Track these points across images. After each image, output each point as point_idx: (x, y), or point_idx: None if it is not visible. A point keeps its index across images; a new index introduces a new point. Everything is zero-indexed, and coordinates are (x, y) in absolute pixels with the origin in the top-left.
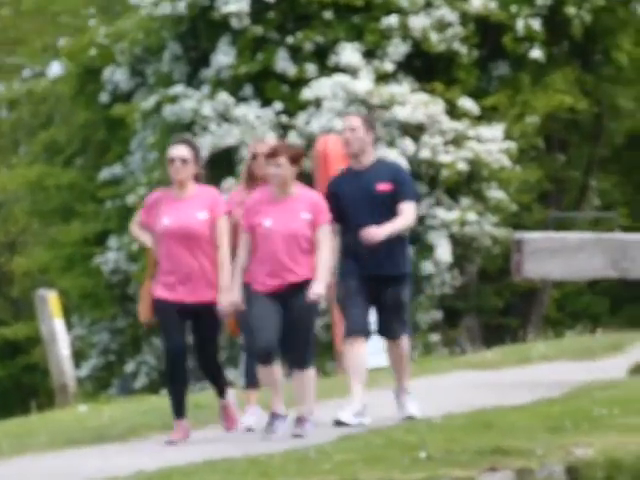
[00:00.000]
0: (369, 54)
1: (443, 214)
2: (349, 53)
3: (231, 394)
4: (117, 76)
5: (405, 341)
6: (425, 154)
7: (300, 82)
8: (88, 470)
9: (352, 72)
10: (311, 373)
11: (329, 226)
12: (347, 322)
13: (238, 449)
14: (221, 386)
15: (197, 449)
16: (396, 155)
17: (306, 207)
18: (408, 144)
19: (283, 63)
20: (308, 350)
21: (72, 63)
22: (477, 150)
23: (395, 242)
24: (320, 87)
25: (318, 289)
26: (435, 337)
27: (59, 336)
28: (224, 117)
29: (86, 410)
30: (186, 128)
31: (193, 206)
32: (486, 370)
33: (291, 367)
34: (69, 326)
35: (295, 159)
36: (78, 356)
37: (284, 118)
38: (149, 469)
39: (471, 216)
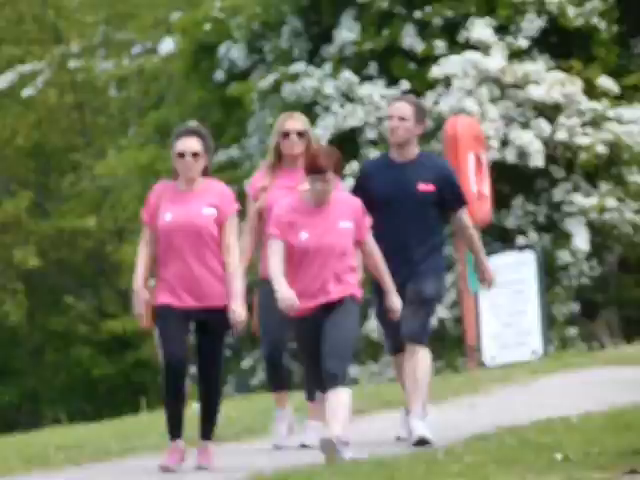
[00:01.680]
0: (502, 30)
1: (581, 200)
2: (480, 29)
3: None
4: (233, 53)
5: (424, 351)
6: (562, 136)
7: (428, 59)
8: (200, 472)
9: (484, 49)
10: (347, 391)
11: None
12: (387, 342)
13: (362, 450)
14: (211, 416)
15: (318, 449)
16: (531, 137)
17: (346, 215)
18: (543, 125)
19: (410, 39)
20: (346, 365)
21: (185, 39)
22: (617, 132)
23: (431, 250)
24: (450, 65)
25: (396, 304)
26: (572, 331)
27: None
28: (347, 97)
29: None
30: (307, 108)
31: (199, 201)
32: (627, 366)
33: (325, 384)
34: None
35: (338, 168)
36: (192, 352)
37: None
38: (266, 471)
39: (611, 202)
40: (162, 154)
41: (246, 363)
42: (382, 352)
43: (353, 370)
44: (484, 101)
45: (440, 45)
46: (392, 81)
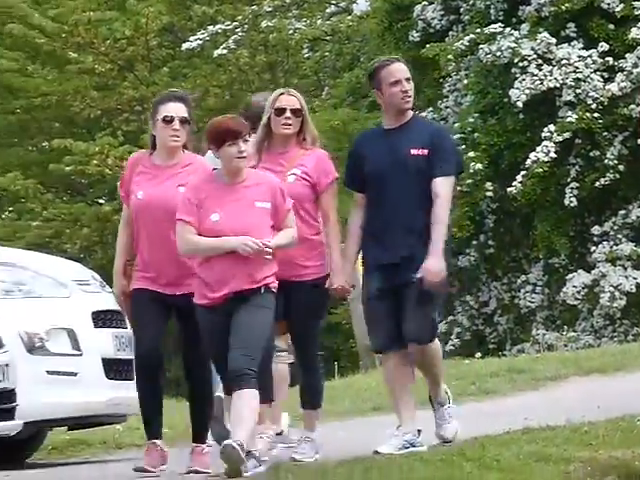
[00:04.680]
0: None
1: None
2: None
3: (208, 446)
4: (429, 13)
5: (432, 347)
6: None
7: (628, 20)
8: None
9: None
10: (254, 393)
11: (292, 212)
12: (371, 338)
13: (557, 415)
14: (200, 416)
15: (513, 415)
16: None
17: (264, 194)
18: None
19: None
20: (254, 365)
21: None
22: None
23: (430, 225)
24: None
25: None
26: None
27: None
28: (544, 58)
29: None
30: (503, 69)
31: (178, 177)
32: None
33: (231, 384)
34: None
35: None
36: None
37: (610, 60)
38: (459, 438)
39: None
40: (356, 116)
41: (440, 328)
42: (579, 318)
43: (548, 336)
44: None
45: None
46: (590, 42)
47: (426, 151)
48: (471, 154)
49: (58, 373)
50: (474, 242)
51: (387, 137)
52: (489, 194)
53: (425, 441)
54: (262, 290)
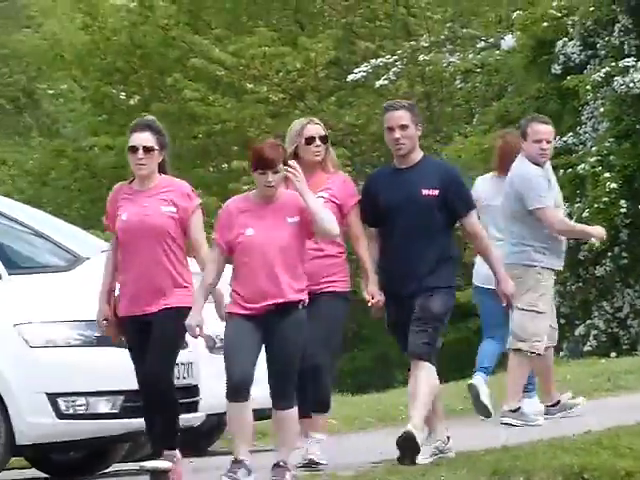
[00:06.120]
0: None
1: None
2: None
3: (178, 460)
4: (569, 49)
5: (429, 368)
6: None
7: None
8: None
9: None
10: (293, 412)
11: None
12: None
13: None
14: (162, 431)
15: None
16: None
17: (291, 209)
18: None
19: None
20: (291, 385)
21: (524, 35)
22: None
23: (438, 259)
24: None
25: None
26: None
27: None
28: None
29: None
30: (636, 99)
31: (158, 196)
32: None
33: (273, 403)
34: None
35: (285, 160)
36: None
37: None
38: (596, 429)
39: None
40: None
41: (579, 330)
42: None
43: None
44: None
45: None
46: None
47: (437, 192)
48: (607, 174)
49: None
50: (609, 254)
51: (399, 176)
52: (623, 210)
53: None
54: (301, 305)
